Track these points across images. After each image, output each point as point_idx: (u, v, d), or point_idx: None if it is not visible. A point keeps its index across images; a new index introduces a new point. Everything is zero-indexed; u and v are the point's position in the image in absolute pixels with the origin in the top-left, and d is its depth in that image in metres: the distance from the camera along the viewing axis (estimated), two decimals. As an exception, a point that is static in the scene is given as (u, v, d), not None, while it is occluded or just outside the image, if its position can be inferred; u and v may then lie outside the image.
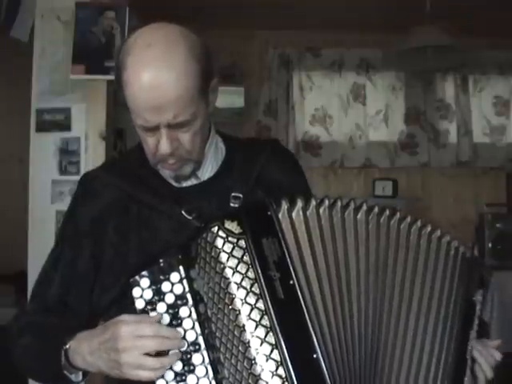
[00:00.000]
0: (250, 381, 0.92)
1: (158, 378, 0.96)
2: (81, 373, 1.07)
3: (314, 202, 1.02)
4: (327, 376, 0.93)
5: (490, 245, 3.70)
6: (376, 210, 1.05)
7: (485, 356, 1.09)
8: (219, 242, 0.97)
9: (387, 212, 1.06)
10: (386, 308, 1.02)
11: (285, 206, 1.01)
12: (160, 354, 0.95)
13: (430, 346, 1.03)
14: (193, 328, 0.98)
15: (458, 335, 1.06)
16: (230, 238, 0.97)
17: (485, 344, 1.11)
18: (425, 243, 1.07)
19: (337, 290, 0.99)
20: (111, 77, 2.34)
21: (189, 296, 0.99)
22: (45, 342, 1.10)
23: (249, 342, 0.93)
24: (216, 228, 0.97)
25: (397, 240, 1.05)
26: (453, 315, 1.06)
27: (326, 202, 1.03)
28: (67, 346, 1.03)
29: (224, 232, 0.97)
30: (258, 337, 0.93)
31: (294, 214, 1.01)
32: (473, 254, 1.12)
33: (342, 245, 1.02)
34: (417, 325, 1.03)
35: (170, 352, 0.96)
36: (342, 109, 4.48)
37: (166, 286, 0.99)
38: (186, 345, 0.97)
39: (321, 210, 1.02)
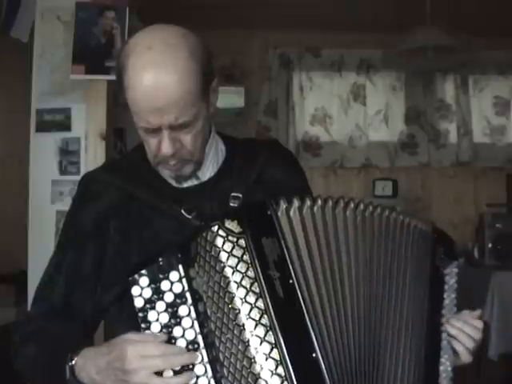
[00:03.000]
0: (249, 379, 0.92)
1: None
2: None
3: (308, 202, 1.03)
4: (326, 375, 0.93)
5: (489, 245, 3.70)
6: (361, 206, 1.07)
7: (464, 330, 1.10)
8: (219, 241, 0.97)
9: (370, 207, 1.08)
10: (373, 302, 1.03)
11: (283, 205, 1.01)
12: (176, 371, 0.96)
13: (404, 329, 1.05)
14: (192, 327, 0.98)
15: (428, 312, 1.09)
16: (230, 237, 0.97)
17: (466, 315, 1.13)
18: (398, 229, 1.10)
19: (332, 288, 1.00)
20: (111, 77, 2.34)
21: (188, 295, 0.99)
22: (49, 354, 1.09)
23: (248, 341, 0.93)
24: (216, 227, 0.97)
25: (379, 230, 1.08)
26: (423, 293, 1.10)
27: (319, 202, 1.04)
28: (73, 363, 1.03)
29: (224, 231, 0.97)
30: (257, 336, 0.93)
31: (291, 214, 1.01)
32: (435, 228, 1.16)
33: (334, 242, 1.03)
34: (395, 311, 1.05)
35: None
36: (342, 109, 4.48)
37: (165, 285, 0.99)
38: (185, 343, 0.97)
39: (315, 209, 1.03)
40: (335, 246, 1.03)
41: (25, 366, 1.14)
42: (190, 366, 0.97)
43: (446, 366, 1.10)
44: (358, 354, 0.99)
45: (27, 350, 1.13)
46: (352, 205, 1.06)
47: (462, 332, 1.10)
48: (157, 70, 1.02)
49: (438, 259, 1.14)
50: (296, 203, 1.02)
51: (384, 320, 1.03)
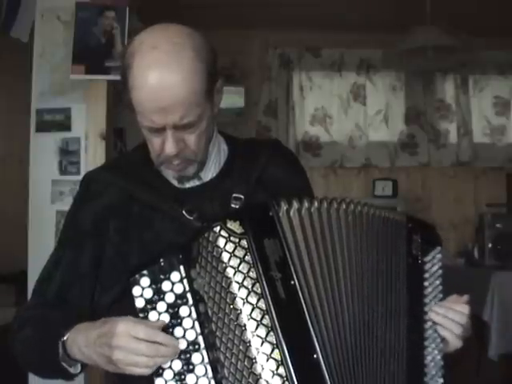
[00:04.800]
0: (250, 380, 0.93)
1: (156, 377, 0.96)
2: (79, 364, 1.07)
3: (306, 203, 1.04)
4: (327, 376, 0.93)
5: (489, 245, 3.69)
6: (352, 206, 1.09)
7: (448, 315, 1.10)
8: (221, 242, 0.97)
9: (359, 207, 1.09)
10: (366, 300, 1.04)
11: (284, 206, 1.02)
12: None
13: (389, 321, 1.06)
14: (192, 327, 0.98)
15: (408, 302, 1.09)
16: (232, 238, 0.97)
17: (451, 301, 1.12)
18: (381, 224, 1.11)
19: (330, 288, 1.01)
20: (111, 77, 2.35)
21: (189, 295, 0.99)
22: (43, 334, 1.10)
23: (250, 342, 0.93)
24: (218, 228, 0.97)
25: (367, 226, 1.09)
26: (402, 284, 1.10)
27: (316, 203, 1.05)
28: (65, 338, 1.03)
29: (226, 232, 0.97)
30: (258, 336, 0.93)
31: (291, 215, 1.02)
32: (410, 218, 1.16)
33: (330, 242, 1.04)
34: (382, 306, 1.06)
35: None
36: (342, 109, 4.48)
37: (166, 286, 0.99)
38: (186, 344, 0.97)
39: (312, 210, 1.04)
40: (331, 246, 1.04)
41: (21, 349, 1.14)
42: (191, 367, 0.97)
43: (434, 355, 1.09)
44: (356, 353, 0.99)
45: (24, 333, 1.13)
46: (344, 205, 1.07)
47: (447, 318, 1.09)
48: (162, 70, 1.02)
49: (415, 248, 1.14)
50: (295, 205, 1.03)
51: (375, 316, 1.04)
